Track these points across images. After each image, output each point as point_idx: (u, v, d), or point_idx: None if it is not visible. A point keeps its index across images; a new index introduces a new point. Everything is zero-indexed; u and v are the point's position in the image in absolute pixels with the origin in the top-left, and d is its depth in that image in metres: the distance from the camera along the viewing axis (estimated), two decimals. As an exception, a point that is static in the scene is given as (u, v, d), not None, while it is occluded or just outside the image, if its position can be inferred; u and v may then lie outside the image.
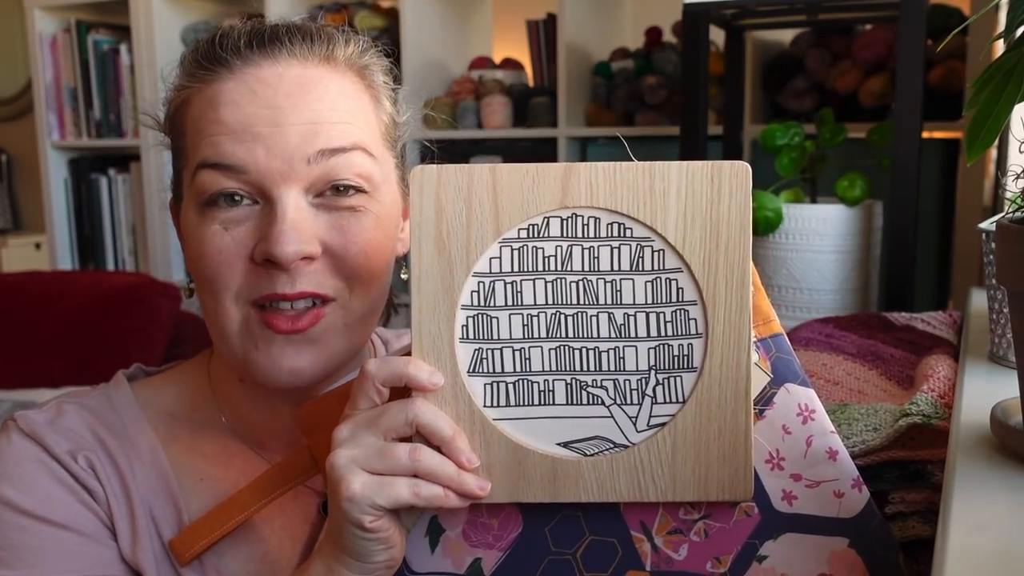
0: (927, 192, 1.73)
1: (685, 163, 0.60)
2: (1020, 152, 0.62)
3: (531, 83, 2.39)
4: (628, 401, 0.61)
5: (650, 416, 0.61)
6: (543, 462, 0.62)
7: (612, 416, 0.62)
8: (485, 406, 0.62)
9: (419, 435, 0.60)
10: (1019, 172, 0.61)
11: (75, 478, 0.72)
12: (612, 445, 0.62)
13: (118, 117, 2.64)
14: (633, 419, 0.62)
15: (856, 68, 1.87)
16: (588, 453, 0.62)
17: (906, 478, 0.73)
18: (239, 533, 0.73)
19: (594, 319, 0.61)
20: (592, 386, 0.62)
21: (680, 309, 0.61)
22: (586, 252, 0.61)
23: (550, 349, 0.61)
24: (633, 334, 0.61)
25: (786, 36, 2.03)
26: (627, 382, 0.61)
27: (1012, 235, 0.57)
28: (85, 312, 1.71)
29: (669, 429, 0.61)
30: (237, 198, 0.69)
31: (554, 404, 0.62)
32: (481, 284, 0.61)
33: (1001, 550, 0.48)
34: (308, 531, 0.76)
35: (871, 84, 1.84)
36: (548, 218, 0.61)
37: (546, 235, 0.61)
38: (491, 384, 0.62)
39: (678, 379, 0.61)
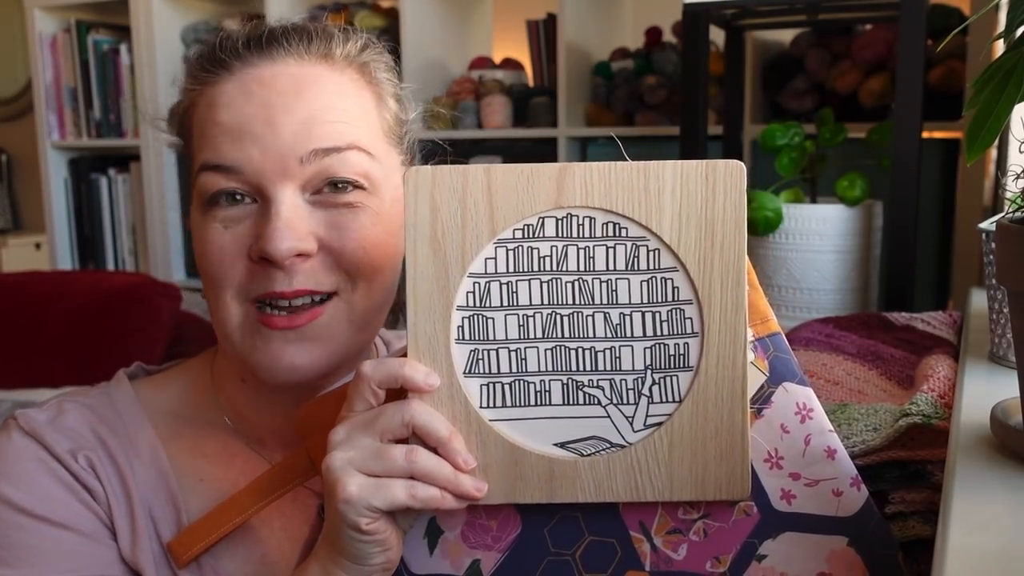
0: (927, 192, 1.73)
1: (680, 162, 0.60)
2: (1020, 152, 0.62)
3: (531, 83, 2.39)
4: (624, 401, 0.61)
5: (646, 416, 0.61)
6: (540, 463, 0.62)
7: (609, 416, 0.62)
8: (481, 407, 0.62)
9: (415, 436, 0.60)
10: (1019, 172, 0.61)
11: (75, 477, 0.72)
12: (609, 445, 0.62)
13: (118, 117, 2.64)
14: (630, 419, 0.61)
15: (856, 68, 1.86)
16: (585, 453, 0.62)
17: (906, 478, 0.73)
18: (238, 535, 0.73)
19: (590, 319, 0.61)
20: (588, 386, 0.61)
21: (676, 308, 0.61)
22: (581, 252, 0.61)
23: (546, 349, 0.61)
24: (629, 334, 0.61)
25: (786, 36, 2.02)
26: (623, 382, 0.61)
27: (1012, 235, 0.57)
28: (85, 312, 1.71)
29: (666, 429, 0.61)
30: (238, 197, 0.70)
31: (550, 404, 0.62)
32: (476, 285, 0.61)
33: (1001, 550, 0.48)
34: (308, 533, 0.75)
35: (871, 84, 1.83)
36: (543, 218, 0.61)
37: (541, 235, 0.61)
38: (487, 385, 0.62)
39: (674, 378, 0.61)
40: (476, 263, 0.61)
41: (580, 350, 0.61)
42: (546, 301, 0.61)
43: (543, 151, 2.18)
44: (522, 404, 0.62)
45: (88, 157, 2.74)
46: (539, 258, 0.61)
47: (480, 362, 0.61)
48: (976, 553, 0.48)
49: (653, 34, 2.20)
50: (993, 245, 0.80)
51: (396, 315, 0.86)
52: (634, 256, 0.61)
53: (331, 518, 0.61)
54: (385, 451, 0.59)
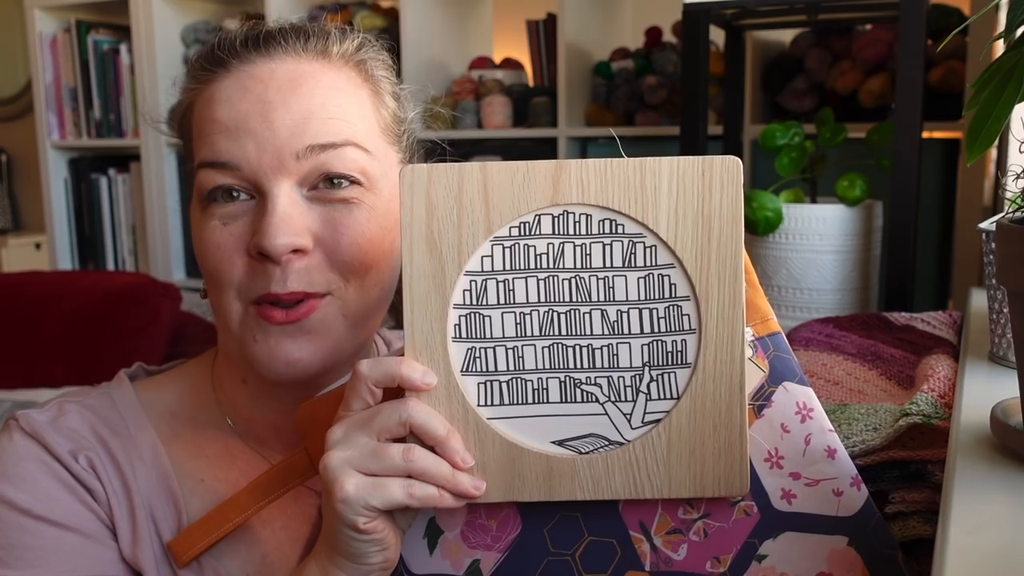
0: (927, 192, 1.72)
1: (676, 159, 0.60)
2: (1020, 152, 0.62)
3: (531, 83, 2.38)
4: (622, 398, 0.61)
5: (644, 413, 0.61)
6: (538, 461, 0.61)
7: (606, 413, 0.61)
8: (479, 405, 0.61)
9: (413, 435, 0.60)
10: (1019, 172, 0.61)
11: (76, 478, 0.72)
12: (607, 442, 0.61)
13: (118, 117, 2.64)
14: (628, 416, 0.61)
15: (856, 68, 1.86)
16: (583, 451, 0.61)
17: (906, 478, 0.72)
18: (238, 534, 0.73)
19: (587, 316, 0.61)
20: (586, 383, 0.61)
21: (673, 305, 0.61)
22: (578, 249, 0.61)
23: (543, 347, 0.61)
24: (626, 331, 0.61)
25: (786, 36, 2.02)
26: (621, 379, 0.61)
27: (1012, 235, 0.57)
28: (85, 312, 1.70)
29: (664, 425, 0.61)
30: (235, 193, 0.70)
31: (548, 402, 0.61)
32: (473, 283, 0.61)
33: (1001, 550, 0.48)
34: (308, 532, 0.76)
35: (871, 84, 1.83)
36: (539, 215, 0.60)
37: (538, 233, 0.61)
38: (484, 383, 0.61)
39: (672, 375, 0.61)
40: (472, 261, 0.61)
41: (577, 347, 0.61)
42: (543, 298, 0.61)
43: (543, 151, 2.18)
44: (520, 402, 0.61)
45: (88, 157, 2.74)
46: (536, 255, 0.61)
47: (477, 360, 0.61)
48: (976, 553, 0.48)
49: (653, 34, 2.20)
50: (993, 245, 0.80)
51: (397, 317, 0.86)
52: (631, 253, 0.60)
53: (329, 517, 0.61)
54: (382, 450, 0.59)
